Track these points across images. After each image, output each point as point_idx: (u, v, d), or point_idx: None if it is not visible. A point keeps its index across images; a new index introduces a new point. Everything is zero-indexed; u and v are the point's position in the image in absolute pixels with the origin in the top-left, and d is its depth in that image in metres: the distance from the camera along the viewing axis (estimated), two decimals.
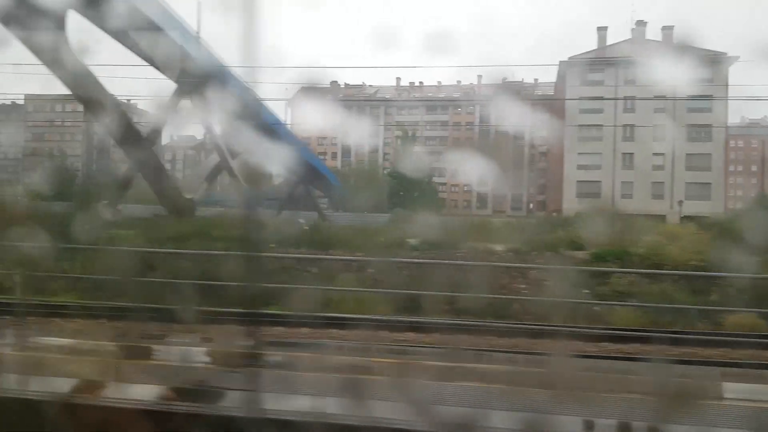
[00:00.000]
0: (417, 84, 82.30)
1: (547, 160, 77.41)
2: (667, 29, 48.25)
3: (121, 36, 18.92)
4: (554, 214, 54.01)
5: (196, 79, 22.08)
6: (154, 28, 18.29)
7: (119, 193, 23.27)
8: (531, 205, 78.51)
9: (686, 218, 40.91)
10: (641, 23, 47.19)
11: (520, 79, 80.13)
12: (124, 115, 18.47)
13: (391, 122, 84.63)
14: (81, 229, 20.02)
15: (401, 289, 12.35)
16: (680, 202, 41.29)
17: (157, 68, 21.60)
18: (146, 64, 22.65)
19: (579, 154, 44.91)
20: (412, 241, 20.00)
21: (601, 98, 43.67)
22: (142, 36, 17.94)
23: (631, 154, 44.67)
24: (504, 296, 13.82)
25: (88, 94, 17.32)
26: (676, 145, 43.59)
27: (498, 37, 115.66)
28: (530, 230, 26.56)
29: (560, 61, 46.75)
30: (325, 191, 50.19)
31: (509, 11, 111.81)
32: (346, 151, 78.78)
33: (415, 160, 53.50)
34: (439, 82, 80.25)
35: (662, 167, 43.93)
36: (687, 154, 43.80)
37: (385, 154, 75.31)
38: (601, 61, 44.93)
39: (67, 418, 2.68)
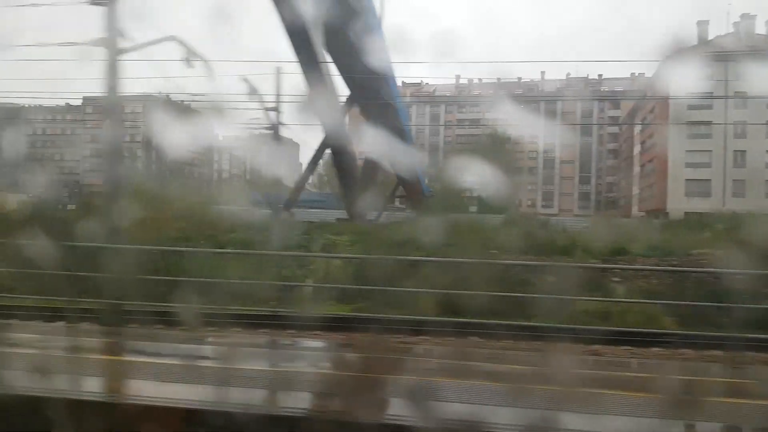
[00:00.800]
0: (476, 81, 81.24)
1: (615, 157, 76.16)
2: None
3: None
4: (644, 214, 52.79)
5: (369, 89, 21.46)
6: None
7: (293, 196, 22.61)
8: (599, 203, 77.37)
9: None
10: (747, 17, 45.83)
11: (585, 75, 79.02)
12: (340, 118, 17.94)
13: (452, 121, 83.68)
14: (283, 235, 19.35)
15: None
16: None
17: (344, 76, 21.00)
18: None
19: (687, 151, 43.67)
20: (628, 247, 19.09)
21: (711, 96, 42.36)
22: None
23: (743, 151, 43.35)
24: None
25: (324, 99, 16.77)
26: None
27: (552, 35, 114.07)
28: (720, 232, 25.15)
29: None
30: (411, 192, 49.24)
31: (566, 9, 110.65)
32: None
33: (500, 160, 52.44)
34: (499, 79, 79.00)
35: None
36: None
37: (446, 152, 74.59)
38: (709, 55, 43.58)
39: None
